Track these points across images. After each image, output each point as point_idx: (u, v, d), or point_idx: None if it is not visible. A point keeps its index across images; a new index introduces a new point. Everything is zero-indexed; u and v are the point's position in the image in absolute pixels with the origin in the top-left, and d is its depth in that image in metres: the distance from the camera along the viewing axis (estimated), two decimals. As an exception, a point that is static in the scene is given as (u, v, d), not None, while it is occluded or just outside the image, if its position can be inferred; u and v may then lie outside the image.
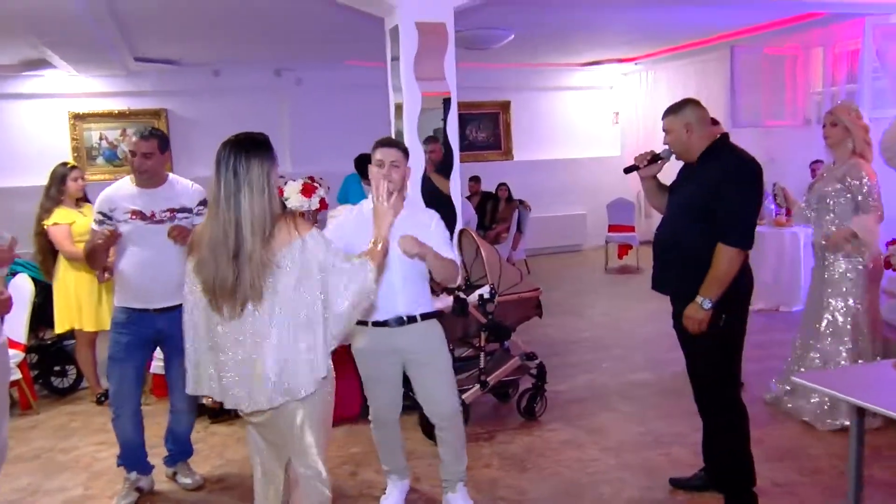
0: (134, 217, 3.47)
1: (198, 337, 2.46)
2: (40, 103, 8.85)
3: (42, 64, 7.94)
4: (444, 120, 4.94)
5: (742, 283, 3.13)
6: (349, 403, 4.49)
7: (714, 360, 3.17)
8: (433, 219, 3.27)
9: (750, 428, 3.25)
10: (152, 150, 3.48)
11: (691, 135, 3.17)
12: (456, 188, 5.03)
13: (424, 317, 3.23)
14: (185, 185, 3.65)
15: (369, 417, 3.43)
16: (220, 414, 4.58)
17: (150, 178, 3.53)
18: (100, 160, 9.25)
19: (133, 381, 3.58)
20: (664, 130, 3.27)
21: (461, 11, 4.93)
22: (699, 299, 3.04)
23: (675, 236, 3.21)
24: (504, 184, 9.48)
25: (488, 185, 9.61)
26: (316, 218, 5.89)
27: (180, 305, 3.47)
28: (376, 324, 3.18)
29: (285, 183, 6.05)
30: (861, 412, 2.58)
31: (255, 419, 2.49)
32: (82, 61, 7.92)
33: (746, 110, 7.77)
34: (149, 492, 3.71)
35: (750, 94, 7.82)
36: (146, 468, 3.72)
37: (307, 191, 5.74)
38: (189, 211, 3.58)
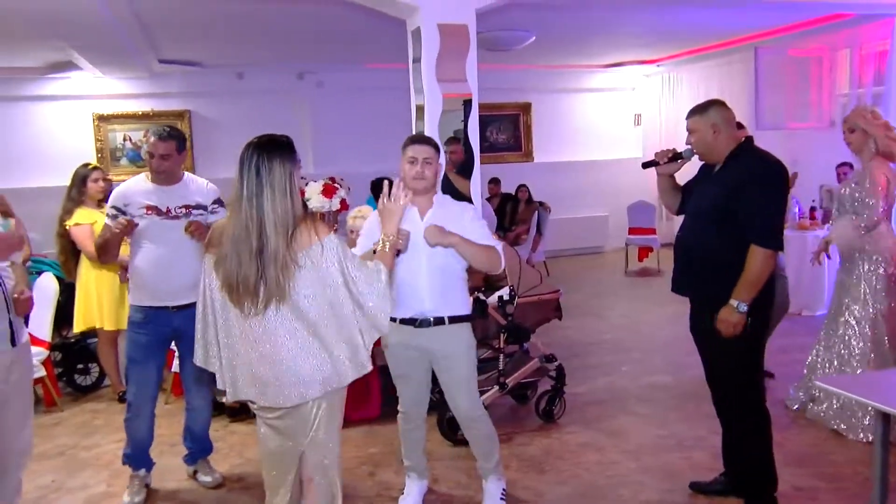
0: (149, 212, 3.48)
1: (218, 333, 2.48)
2: (65, 105, 8.99)
3: (68, 66, 8.07)
4: (465, 121, 4.94)
5: (769, 286, 3.10)
6: (369, 404, 4.51)
7: (740, 363, 3.13)
8: (467, 212, 3.21)
9: (773, 433, 3.22)
10: (170, 151, 3.50)
11: (718, 136, 3.13)
12: (476, 190, 5.02)
13: (453, 320, 3.15)
14: (200, 184, 3.68)
15: (398, 408, 3.43)
16: (239, 413, 4.62)
17: (164, 178, 3.55)
18: (124, 161, 9.36)
19: (154, 383, 3.62)
20: (688, 130, 3.23)
21: (483, 13, 4.92)
22: (734, 302, 3.00)
23: (697, 238, 3.18)
24: (524, 185, 9.46)
25: (508, 187, 9.59)
26: (336, 218, 5.92)
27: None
28: (403, 321, 3.14)
29: (306, 184, 6.09)
30: (887, 418, 2.53)
31: (267, 415, 2.52)
32: (107, 64, 8.03)
33: (770, 112, 7.68)
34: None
35: (774, 95, 7.73)
36: (151, 464, 3.75)
37: (328, 192, 5.77)
38: (204, 208, 3.59)
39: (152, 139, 3.51)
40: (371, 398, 4.52)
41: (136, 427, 3.60)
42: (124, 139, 9.35)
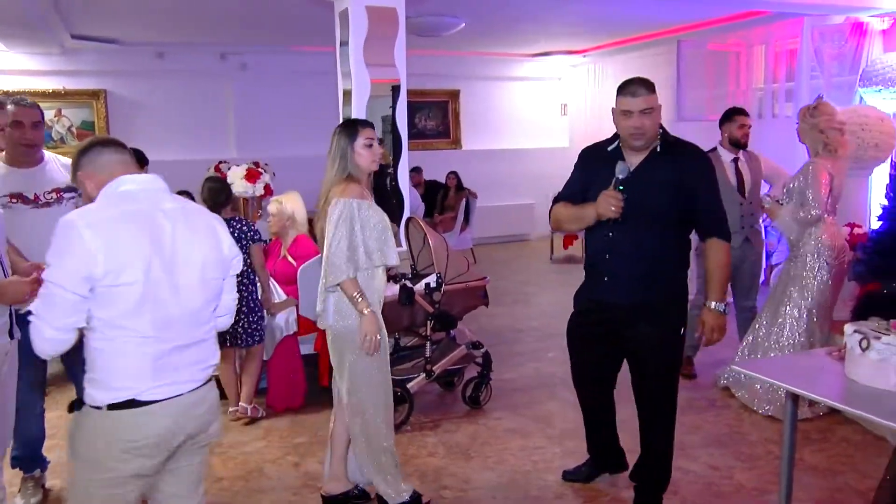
0: (14, 201, 3.02)
1: None
2: (-32, 80, 8.45)
3: (-31, 39, 7.57)
4: (393, 107, 4.89)
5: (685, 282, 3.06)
6: (293, 393, 4.44)
7: (676, 363, 3.10)
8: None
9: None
10: (39, 118, 3.08)
11: (659, 118, 2.81)
12: (403, 177, 4.99)
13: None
14: (66, 163, 3.20)
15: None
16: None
17: (34, 152, 3.11)
18: (33, 142, 8.87)
19: (41, 379, 3.24)
20: (644, 111, 2.77)
21: (411, -3, 4.88)
22: (715, 305, 2.83)
23: (652, 243, 2.86)
24: (454, 172, 9.46)
25: (438, 174, 9.56)
26: (260, 204, 5.77)
27: None
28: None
29: (229, 168, 5.92)
30: (795, 398, 2.65)
31: None
32: (12, 37, 7.55)
33: (691, 104, 7.91)
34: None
35: (695, 88, 7.96)
36: (46, 463, 3.42)
37: (251, 176, 5.64)
38: (75, 190, 3.12)
39: (11, 108, 2.97)
40: (296, 388, 4.45)
41: (24, 425, 3.19)
42: (34, 119, 8.86)
